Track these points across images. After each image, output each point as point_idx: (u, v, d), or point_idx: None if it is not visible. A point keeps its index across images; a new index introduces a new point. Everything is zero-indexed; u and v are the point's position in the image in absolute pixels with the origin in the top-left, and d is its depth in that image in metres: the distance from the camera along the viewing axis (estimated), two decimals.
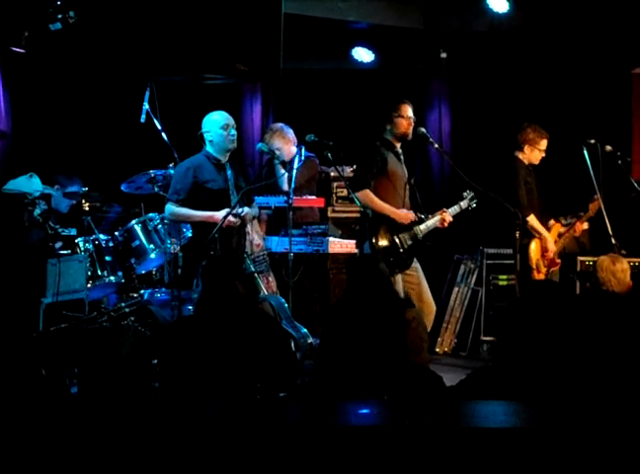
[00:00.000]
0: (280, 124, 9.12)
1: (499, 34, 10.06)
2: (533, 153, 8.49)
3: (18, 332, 7.02)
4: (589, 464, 2.93)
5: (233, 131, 7.72)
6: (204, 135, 7.72)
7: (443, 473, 2.94)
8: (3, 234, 7.93)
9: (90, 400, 4.71)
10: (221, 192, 7.64)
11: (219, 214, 7.44)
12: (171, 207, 7.67)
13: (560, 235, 8.61)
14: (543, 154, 8.54)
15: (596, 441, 2.97)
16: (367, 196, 7.64)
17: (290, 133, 9.01)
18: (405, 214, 7.73)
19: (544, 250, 8.42)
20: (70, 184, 8.56)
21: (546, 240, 8.42)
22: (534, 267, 8.39)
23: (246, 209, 7.63)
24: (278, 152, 8.59)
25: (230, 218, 7.42)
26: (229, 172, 7.71)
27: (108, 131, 9.86)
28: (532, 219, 8.35)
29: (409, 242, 7.72)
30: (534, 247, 8.41)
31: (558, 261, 8.56)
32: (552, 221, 8.64)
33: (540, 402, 3.56)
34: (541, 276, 8.38)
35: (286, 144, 8.92)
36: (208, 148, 7.72)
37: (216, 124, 7.67)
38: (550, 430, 3.05)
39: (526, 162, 8.53)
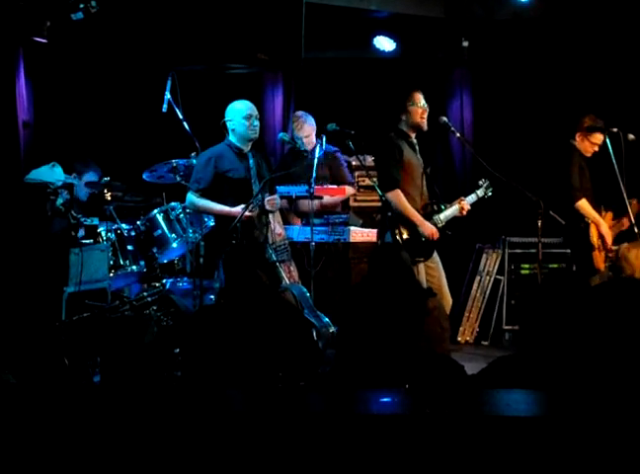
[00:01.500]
0: (301, 112, 9.02)
1: (521, 22, 10.01)
2: (584, 143, 8.32)
3: (41, 321, 7.05)
4: (611, 452, 2.93)
5: (256, 122, 7.70)
6: (227, 124, 7.72)
7: (465, 461, 2.94)
8: (26, 224, 7.96)
9: (112, 389, 4.73)
10: (242, 181, 7.64)
11: (236, 210, 7.45)
12: (191, 197, 7.70)
13: (610, 227, 8.42)
14: (596, 148, 8.29)
15: (619, 430, 2.96)
16: (399, 197, 7.60)
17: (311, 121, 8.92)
18: (431, 230, 7.66)
19: (599, 234, 8.27)
20: (86, 169, 8.59)
21: (600, 224, 8.20)
22: (596, 246, 8.23)
23: (267, 197, 7.61)
24: (305, 139, 8.61)
25: (247, 213, 7.41)
26: (251, 161, 7.70)
27: (130, 121, 9.89)
28: (584, 203, 8.17)
29: None
30: (593, 228, 8.25)
31: (613, 247, 8.17)
32: (603, 212, 8.46)
33: (562, 391, 3.55)
34: (602, 257, 8.21)
35: (309, 132, 8.85)
36: (231, 137, 7.72)
37: (239, 114, 7.67)
38: (572, 418, 3.04)
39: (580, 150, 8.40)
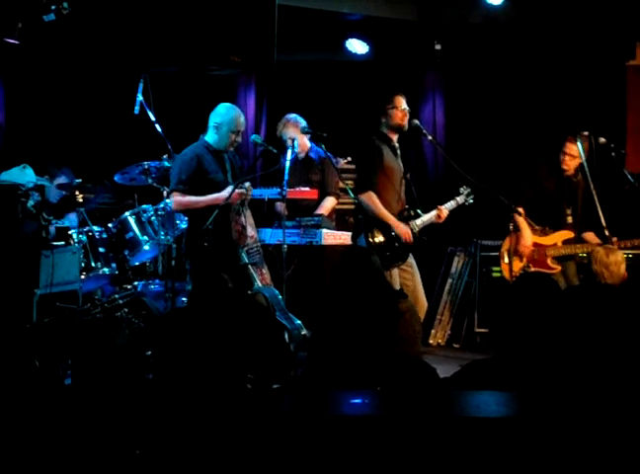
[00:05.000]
0: (293, 115, 8.90)
1: (494, 25, 10.06)
2: (563, 159, 8.38)
3: (11, 323, 7.01)
4: (582, 454, 2.94)
5: (239, 138, 7.59)
6: (213, 123, 7.58)
7: (436, 462, 2.95)
8: None
9: (84, 391, 4.71)
10: (222, 183, 7.54)
11: (223, 194, 7.35)
12: (177, 197, 7.54)
13: (566, 242, 8.45)
14: (569, 159, 8.35)
15: (589, 432, 2.98)
16: (372, 199, 7.62)
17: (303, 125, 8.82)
18: (405, 231, 7.69)
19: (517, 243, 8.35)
20: (59, 173, 8.56)
21: (521, 235, 8.33)
22: (502, 256, 8.38)
23: (247, 184, 7.52)
24: (290, 142, 8.51)
25: (237, 191, 7.34)
26: (227, 164, 7.64)
27: (101, 123, 9.86)
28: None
29: None
30: (507, 239, 8.36)
31: (554, 266, 8.34)
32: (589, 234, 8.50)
33: (533, 393, 3.57)
34: (504, 266, 8.38)
35: (300, 135, 8.73)
36: (208, 137, 7.58)
37: (230, 124, 7.52)
38: (542, 419, 3.06)
39: (568, 171, 8.43)
